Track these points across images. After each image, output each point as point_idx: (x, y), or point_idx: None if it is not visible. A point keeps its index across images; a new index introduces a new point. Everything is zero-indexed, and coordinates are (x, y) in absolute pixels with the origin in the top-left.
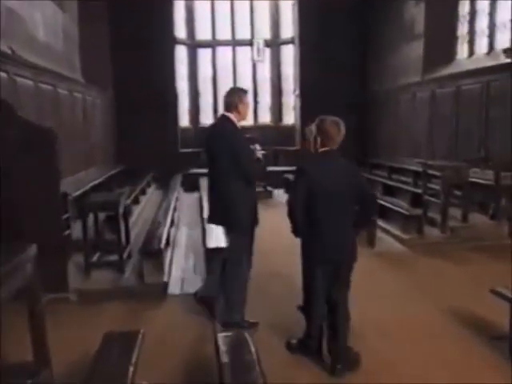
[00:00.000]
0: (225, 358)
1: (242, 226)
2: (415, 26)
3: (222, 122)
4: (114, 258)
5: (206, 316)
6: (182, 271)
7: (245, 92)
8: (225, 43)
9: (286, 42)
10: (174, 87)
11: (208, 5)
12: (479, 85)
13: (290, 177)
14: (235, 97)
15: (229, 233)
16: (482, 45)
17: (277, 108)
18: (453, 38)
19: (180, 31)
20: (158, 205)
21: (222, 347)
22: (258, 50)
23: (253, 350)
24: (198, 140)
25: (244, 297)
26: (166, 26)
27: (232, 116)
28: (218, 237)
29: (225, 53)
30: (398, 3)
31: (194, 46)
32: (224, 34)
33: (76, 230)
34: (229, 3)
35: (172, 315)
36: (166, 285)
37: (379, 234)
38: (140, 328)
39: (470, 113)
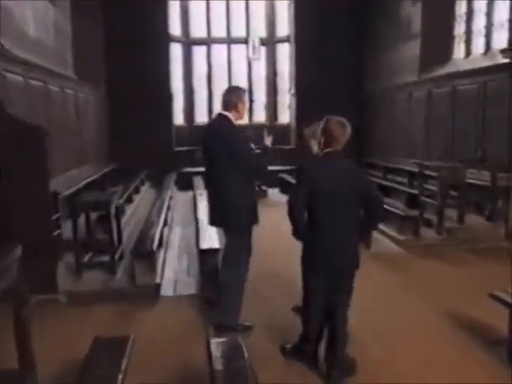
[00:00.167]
0: (217, 365)
1: (239, 226)
2: (412, 26)
3: (219, 121)
4: (105, 258)
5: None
6: (174, 273)
7: (244, 91)
8: (220, 41)
9: (282, 41)
10: (169, 85)
11: (203, 2)
12: (476, 85)
13: (285, 176)
14: (234, 96)
15: (226, 232)
16: (478, 45)
17: (272, 107)
18: (449, 38)
19: (175, 29)
20: (151, 203)
21: (215, 353)
22: (254, 48)
23: (246, 356)
24: (193, 138)
25: (240, 299)
26: (160, 23)
27: (230, 115)
28: (211, 237)
29: (220, 51)
30: (395, 2)
31: (188, 43)
32: (219, 31)
33: (67, 230)
34: (224, 1)
35: (164, 317)
36: (158, 286)
37: (375, 235)
38: (131, 331)
39: (467, 113)
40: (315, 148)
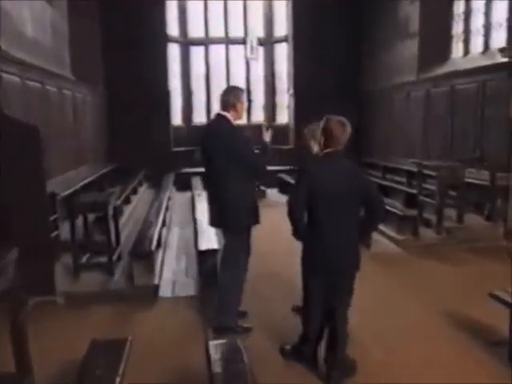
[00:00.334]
0: (216, 368)
1: (239, 227)
2: (410, 25)
3: (217, 121)
4: (103, 259)
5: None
6: (173, 273)
7: (242, 91)
8: (218, 41)
9: (280, 41)
10: (167, 85)
11: (201, 2)
12: (475, 84)
13: (284, 176)
14: (232, 96)
15: (225, 233)
16: (477, 44)
17: (270, 107)
18: (448, 37)
19: (172, 29)
20: (149, 204)
21: (214, 356)
22: (252, 47)
23: (245, 359)
24: (191, 139)
25: (239, 300)
26: (157, 23)
27: (228, 115)
28: (210, 238)
29: (218, 51)
30: (393, 1)
31: (186, 43)
32: (217, 31)
33: (65, 231)
34: (222, 1)
35: (162, 319)
36: (156, 287)
37: (374, 235)
38: (129, 332)
39: (466, 112)
40: (315, 148)
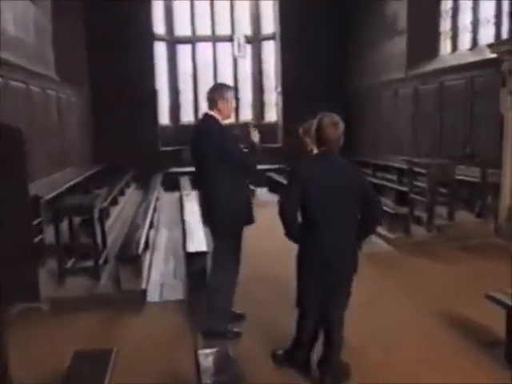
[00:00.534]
0: (206, 379)
1: (228, 227)
2: (398, 22)
3: (204, 121)
4: (89, 263)
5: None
6: (161, 276)
7: (227, 88)
8: (205, 39)
9: (267, 38)
10: (153, 84)
11: (187, 0)
12: (463, 80)
13: (273, 175)
14: (216, 93)
15: (215, 233)
16: (465, 40)
17: (258, 105)
18: (436, 34)
19: (159, 27)
20: (137, 205)
21: (203, 365)
22: (239, 45)
23: (237, 368)
24: (179, 138)
25: (230, 303)
26: (144, 21)
27: (216, 114)
28: (198, 240)
29: (205, 49)
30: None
31: (173, 42)
32: (204, 29)
33: (49, 235)
34: None
35: (150, 324)
36: (144, 292)
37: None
38: (116, 339)
39: (455, 109)
40: (311, 146)
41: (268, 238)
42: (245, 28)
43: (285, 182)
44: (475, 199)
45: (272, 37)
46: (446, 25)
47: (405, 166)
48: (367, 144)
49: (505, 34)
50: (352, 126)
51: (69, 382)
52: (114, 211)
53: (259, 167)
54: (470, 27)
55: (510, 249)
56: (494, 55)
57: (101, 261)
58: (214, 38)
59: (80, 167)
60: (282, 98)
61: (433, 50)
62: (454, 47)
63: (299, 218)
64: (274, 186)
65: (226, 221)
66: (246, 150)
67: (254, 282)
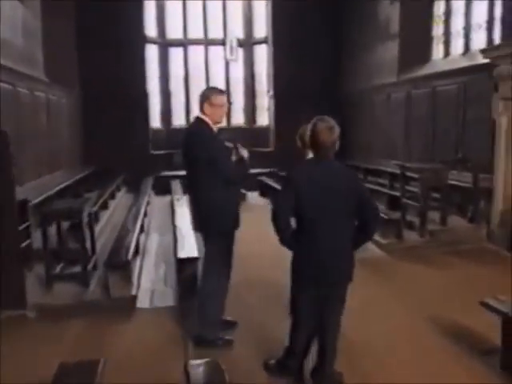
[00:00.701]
0: None
1: (218, 233)
2: (390, 26)
3: (195, 125)
4: (77, 269)
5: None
6: (151, 282)
7: (215, 91)
8: (197, 42)
9: (260, 42)
10: (145, 87)
11: (179, 3)
12: (455, 85)
13: (265, 179)
14: (203, 96)
15: (205, 238)
16: (457, 46)
17: (250, 109)
18: (428, 39)
19: (150, 30)
20: (127, 209)
21: (193, 376)
22: (231, 48)
23: (227, 380)
24: (170, 142)
25: (221, 310)
26: (135, 23)
27: (206, 118)
28: (189, 246)
29: (197, 52)
30: (373, 3)
31: (165, 44)
32: (196, 32)
33: (37, 240)
34: (201, 1)
35: (141, 331)
36: (134, 298)
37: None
38: (105, 347)
39: (447, 114)
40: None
41: (259, 241)
42: (237, 31)
43: (276, 185)
44: (467, 204)
45: (264, 40)
46: (438, 30)
47: (397, 171)
48: (360, 148)
49: (497, 40)
50: (345, 129)
51: None
52: (104, 215)
53: (251, 171)
54: (462, 32)
55: (502, 254)
56: (486, 60)
57: (90, 266)
58: (206, 41)
59: (70, 170)
60: (274, 102)
61: (425, 55)
62: (447, 52)
63: (293, 225)
64: (265, 190)
65: (217, 224)
66: (234, 159)
67: (245, 286)
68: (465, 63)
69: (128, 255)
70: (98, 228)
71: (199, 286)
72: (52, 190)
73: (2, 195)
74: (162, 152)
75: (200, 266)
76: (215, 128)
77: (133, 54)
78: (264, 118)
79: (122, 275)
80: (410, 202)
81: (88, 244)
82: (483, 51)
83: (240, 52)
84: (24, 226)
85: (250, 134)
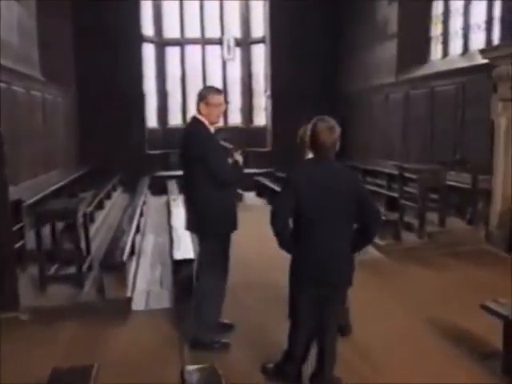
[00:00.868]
0: None
1: (214, 234)
2: (388, 27)
3: (191, 125)
4: (72, 270)
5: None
6: (147, 284)
7: (212, 91)
8: (194, 41)
9: (257, 42)
10: (141, 86)
11: (176, 2)
12: (454, 86)
13: (262, 179)
14: (199, 96)
15: (200, 239)
16: (456, 46)
17: (247, 109)
18: (426, 39)
19: (147, 29)
20: (123, 210)
21: (189, 382)
22: (229, 48)
23: None
24: (167, 141)
25: (218, 313)
26: (132, 23)
27: (203, 118)
28: (186, 247)
29: (194, 51)
30: (371, 3)
31: (162, 44)
32: (193, 32)
33: (31, 240)
34: (198, 1)
35: (136, 334)
36: (129, 300)
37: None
38: (100, 349)
39: (445, 114)
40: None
41: (257, 241)
42: (234, 31)
43: (273, 186)
44: (466, 205)
45: (262, 40)
46: (436, 30)
47: (395, 172)
48: (358, 148)
49: (496, 40)
50: (343, 129)
51: None
52: (100, 216)
53: (247, 171)
54: (460, 32)
55: (501, 255)
56: (485, 61)
57: (84, 268)
58: (204, 41)
59: (65, 169)
60: (271, 102)
61: (424, 55)
62: (445, 52)
63: (291, 226)
64: (262, 190)
65: (213, 225)
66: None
67: (242, 288)
68: (463, 64)
69: (123, 256)
70: (93, 228)
71: (195, 286)
72: (47, 190)
73: None
74: (158, 152)
75: (195, 267)
76: (212, 128)
77: (129, 53)
78: (261, 118)
79: (118, 276)
80: (408, 203)
81: (83, 244)
82: (482, 52)
83: (237, 51)
84: (18, 226)
85: (247, 133)
